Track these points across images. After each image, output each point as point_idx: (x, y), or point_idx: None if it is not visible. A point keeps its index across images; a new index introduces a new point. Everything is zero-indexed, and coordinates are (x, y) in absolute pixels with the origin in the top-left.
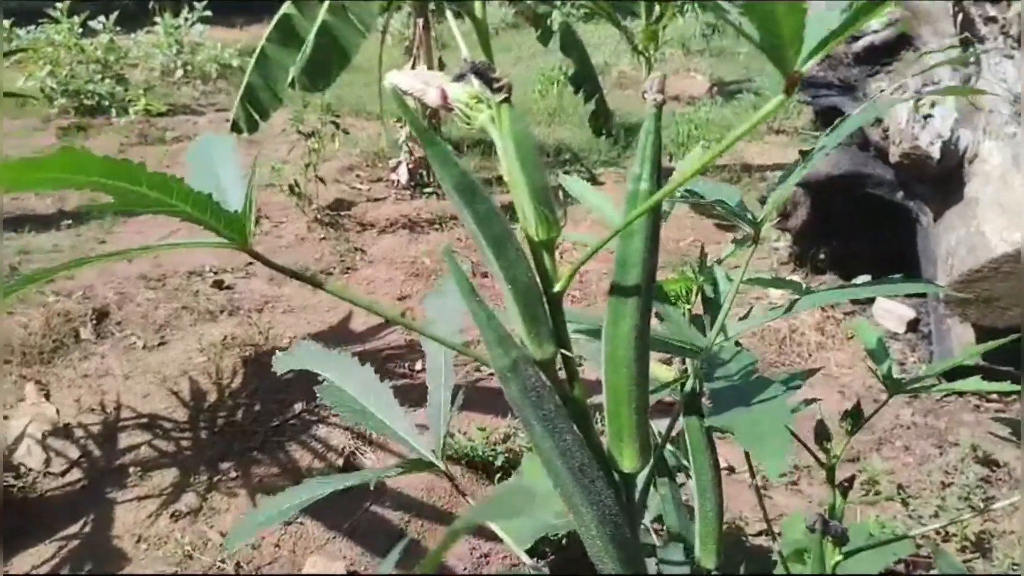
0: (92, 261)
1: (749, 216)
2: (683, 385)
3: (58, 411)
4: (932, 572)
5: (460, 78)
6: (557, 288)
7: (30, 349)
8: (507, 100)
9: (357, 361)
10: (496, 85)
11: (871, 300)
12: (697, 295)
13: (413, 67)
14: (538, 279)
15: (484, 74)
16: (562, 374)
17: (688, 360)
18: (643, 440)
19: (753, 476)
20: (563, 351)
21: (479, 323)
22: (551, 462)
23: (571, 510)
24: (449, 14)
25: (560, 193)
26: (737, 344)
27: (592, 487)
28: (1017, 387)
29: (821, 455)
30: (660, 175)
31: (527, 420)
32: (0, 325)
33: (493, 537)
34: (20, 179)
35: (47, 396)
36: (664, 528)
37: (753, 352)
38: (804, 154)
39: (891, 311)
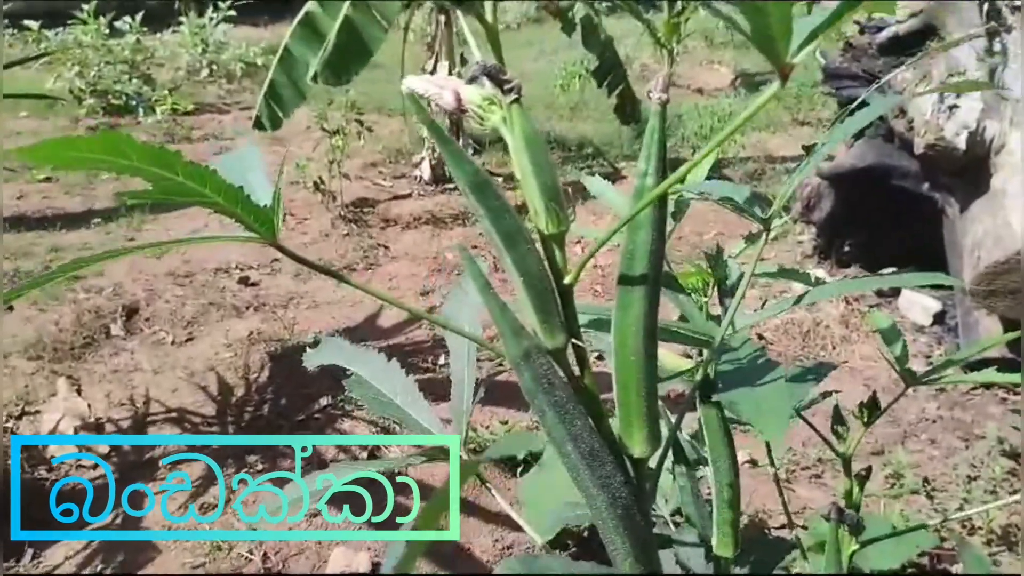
0: (120, 254)
1: (758, 212)
2: (696, 373)
3: (89, 406)
4: (957, 565)
5: (472, 80)
6: (567, 280)
7: (62, 345)
8: (517, 101)
9: (383, 356)
10: (507, 87)
11: (897, 293)
12: (713, 288)
13: (435, 64)
14: (549, 272)
15: (495, 76)
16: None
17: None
18: (652, 426)
19: (774, 466)
20: (574, 341)
21: (493, 315)
22: (563, 447)
23: (583, 494)
24: (460, 16)
25: (569, 190)
26: (761, 337)
27: (602, 471)
28: None
29: (839, 446)
30: (665, 170)
31: (539, 407)
32: (22, 322)
33: (516, 528)
34: (59, 156)
35: (78, 391)
36: (684, 519)
37: (763, 344)
38: (808, 149)
39: (917, 304)
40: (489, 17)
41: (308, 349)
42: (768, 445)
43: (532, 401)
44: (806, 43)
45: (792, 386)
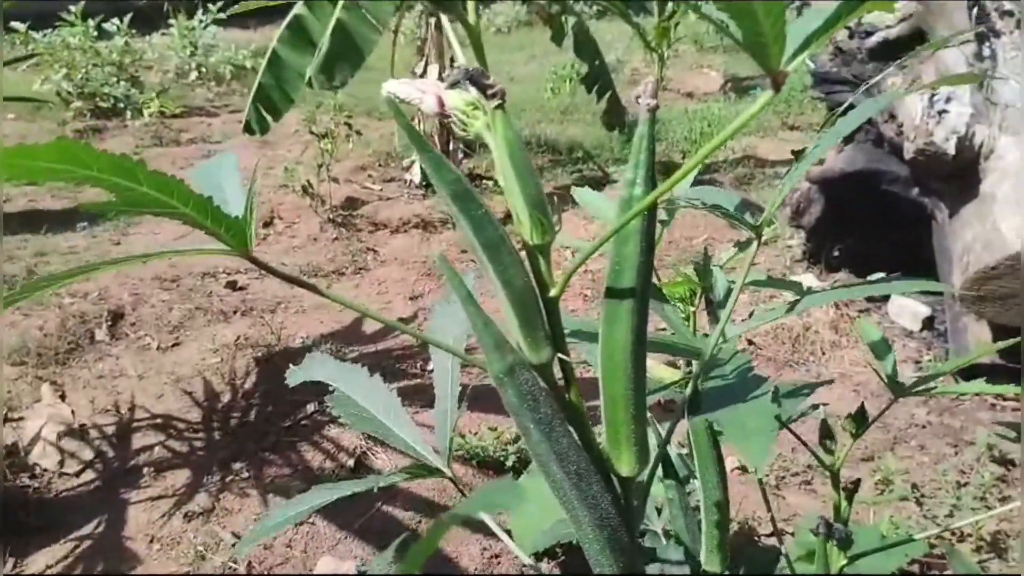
0: (92, 269)
1: (749, 220)
2: (685, 386)
3: (73, 412)
4: (947, 572)
5: (454, 85)
6: (553, 292)
7: (46, 350)
8: (501, 106)
9: (366, 371)
10: (490, 92)
11: (886, 297)
12: (700, 298)
13: (425, 67)
14: (534, 283)
15: (478, 81)
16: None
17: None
18: (641, 444)
19: (761, 483)
20: (560, 355)
21: (475, 328)
22: (548, 466)
23: (568, 514)
24: (445, 20)
25: (555, 198)
26: (751, 343)
27: (589, 491)
28: (1017, 389)
29: (827, 458)
30: (654, 179)
31: (524, 425)
32: (6, 327)
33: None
34: (14, 166)
35: (62, 397)
36: (672, 534)
37: (753, 349)
38: (797, 154)
39: (906, 308)
40: (472, 19)
41: (292, 366)
42: (752, 459)
43: (516, 418)
44: (801, 49)
45: (775, 406)
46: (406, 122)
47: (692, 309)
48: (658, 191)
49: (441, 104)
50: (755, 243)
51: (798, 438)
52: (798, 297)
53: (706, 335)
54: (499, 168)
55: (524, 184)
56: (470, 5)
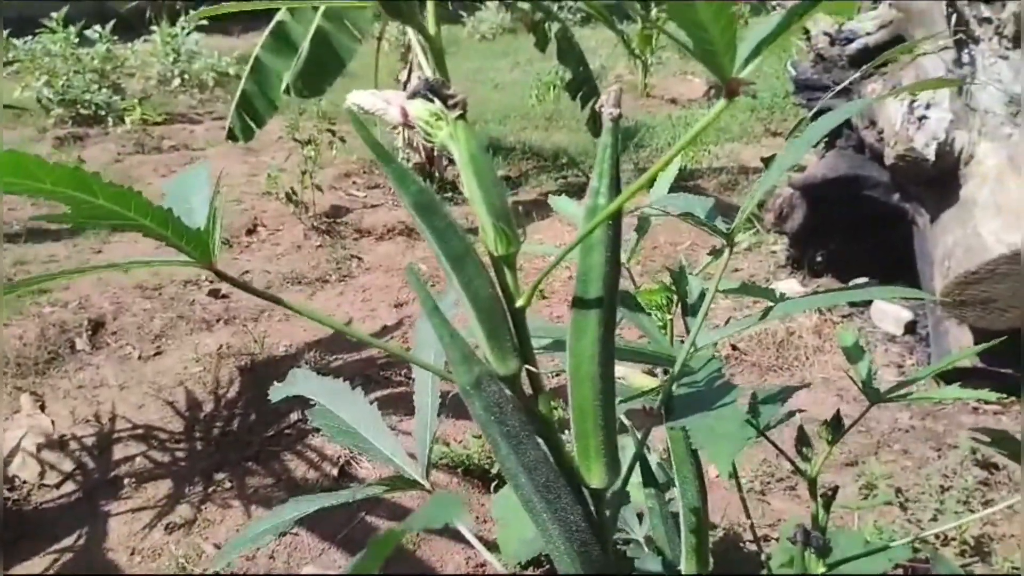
0: (51, 278)
1: (720, 227)
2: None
3: (53, 422)
4: None
5: (415, 96)
6: (520, 303)
7: (25, 360)
8: (463, 116)
9: (347, 385)
10: (451, 102)
11: (868, 303)
12: (678, 305)
13: (409, 74)
14: (501, 295)
15: (438, 91)
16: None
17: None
18: (611, 455)
19: (738, 483)
20: (528, 366)
21: (442, 341)
22: (516, 479)
23: (539, 527)
24: (410, 31)
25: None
26: (735, 348)
27: (558, 503)
28: (996, 395)
29: (804, 465)
30: (619, 188)
31: (492, 437)
32: None
33: (491, 547)
34: None
35: (42, 407)
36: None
37: (723, 359)
38: (767, 162)
39: (888, 313)
40: (431, 30)
41: (275, 383)
42: (734, 465)
43: (484, 431)
44: (753, 55)
45: (743, 412)
46: (368, 134)
47: (669, 317)
48: (619, 200)
49: (405, 115)
50: (727, 250)
51: (775, 446)
52: (774, 304)
53: (683, 342)
54: (463, 178)
55: (487, 195)
56: (429, 15)
